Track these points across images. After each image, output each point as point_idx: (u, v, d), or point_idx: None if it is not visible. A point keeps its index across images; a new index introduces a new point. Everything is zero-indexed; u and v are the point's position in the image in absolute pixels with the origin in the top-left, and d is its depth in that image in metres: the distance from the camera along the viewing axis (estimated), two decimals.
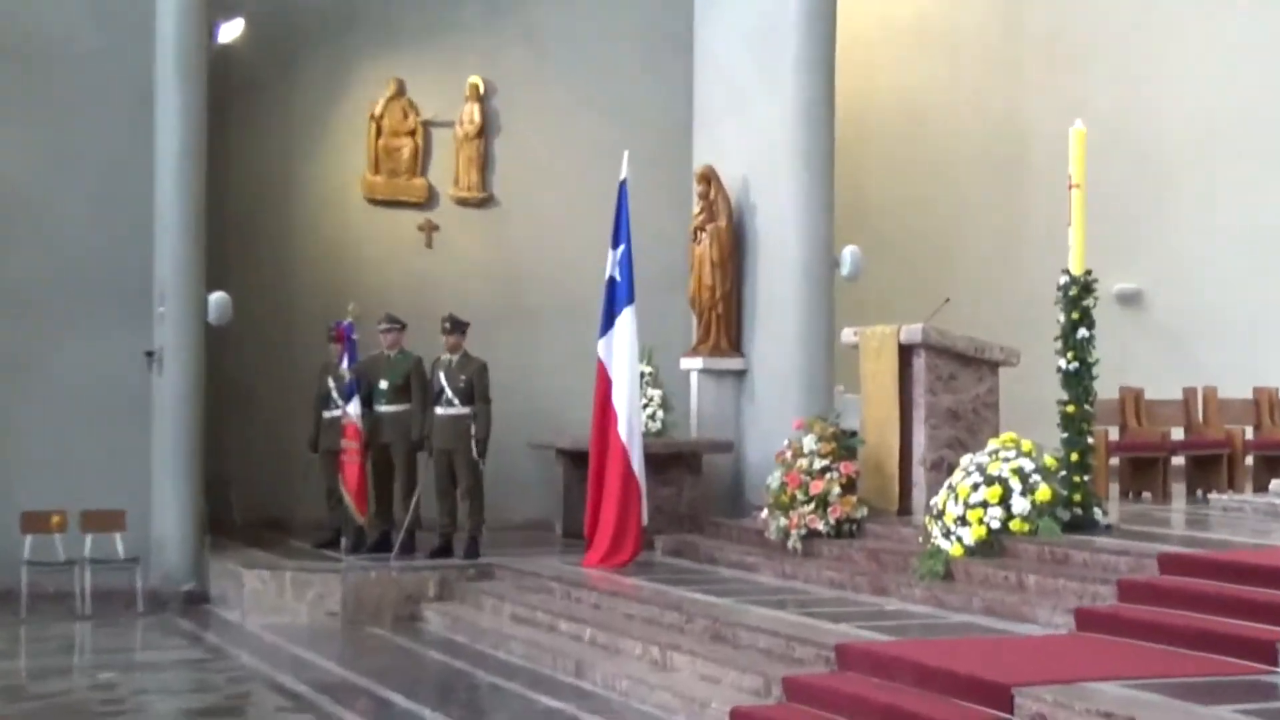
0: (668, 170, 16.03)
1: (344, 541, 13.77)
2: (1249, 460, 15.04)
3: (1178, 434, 15.23)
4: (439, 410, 13.35)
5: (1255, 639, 8.00)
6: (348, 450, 13.63)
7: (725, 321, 15.08)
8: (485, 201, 16.44)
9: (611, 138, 15.27)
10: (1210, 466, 14.85)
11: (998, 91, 19.17)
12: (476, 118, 16.35)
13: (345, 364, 13.80)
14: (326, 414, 13.94)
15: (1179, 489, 14.84)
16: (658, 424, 14.69)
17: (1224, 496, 13.30)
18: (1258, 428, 15.56)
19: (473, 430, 13.21)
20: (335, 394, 13.86)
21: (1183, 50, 18.95)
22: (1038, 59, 19.24)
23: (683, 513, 14.17)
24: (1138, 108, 18.94)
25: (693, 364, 15.26)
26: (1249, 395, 15.81)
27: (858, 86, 17.51)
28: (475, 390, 13.30)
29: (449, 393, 13.32)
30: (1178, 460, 14.93)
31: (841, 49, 15.03)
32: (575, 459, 14.21)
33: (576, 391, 14.18)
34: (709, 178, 15.21)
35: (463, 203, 16.41)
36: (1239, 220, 18.69)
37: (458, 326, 13.50)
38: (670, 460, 14.21)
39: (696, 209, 15.32)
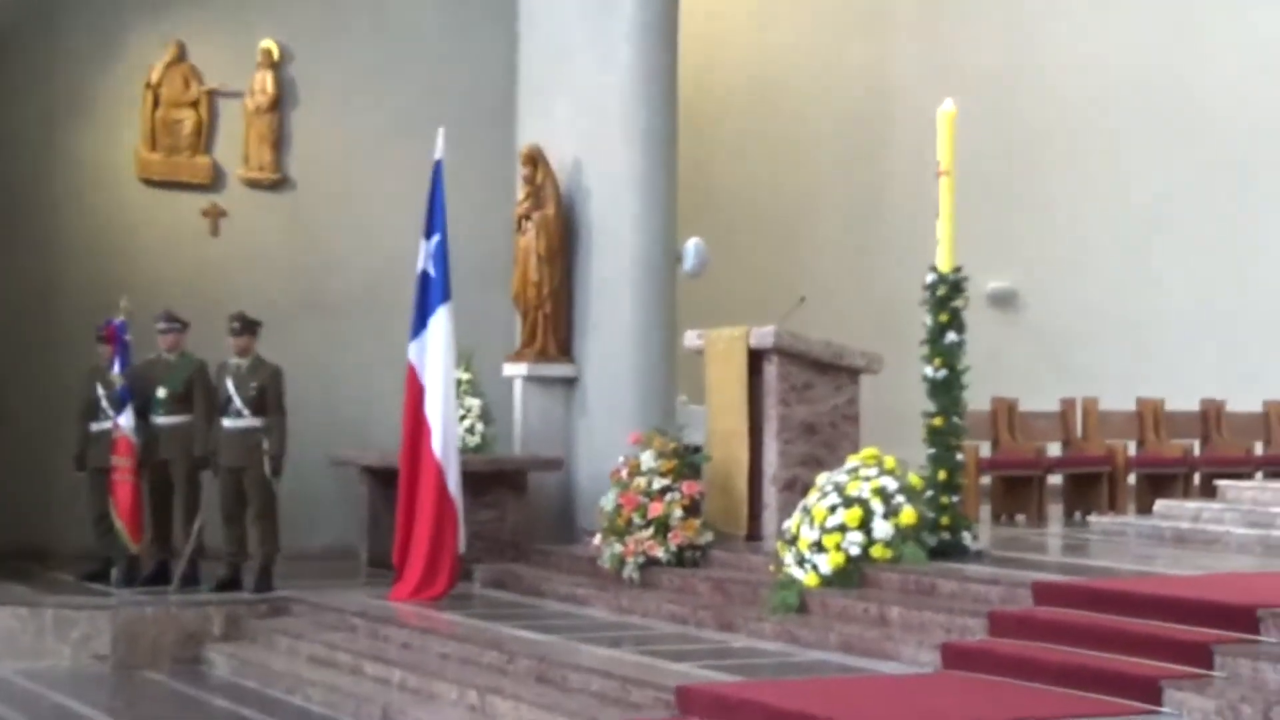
0: (489, 150, 16.01)
1: (115, 573, 13.56)
2: (1131, 479, 15.43)
3: (1055, 449, 15.57)
4: (226, 422, 13.21)
5: (1139, 676, 8.20)
6: (119, 468, 13.42)
7: (553, 322, 15.10)
8: (280, 183, 16.29)
9: (425, 113, 15.21)
10: (1090, 486, 15.21)
11: (857, 68, 19.44)
12: (269, 88, 16.20)
13: (116, 369, 13.59)
14: (94, 426, 13.71)
15: (1056, 510, 15.17)
16: (477, 438, 14.66)
17: (1105, 519, 13.63)
18: (1141, 443, 15.96)
19: (265, 445, 13.09)
20: (105, 403, 13.64)
21: (1061, 36, 19.37)
22: (902, 33, 19.56)
23: (505, 539, 14.16)
24: (1013, 93, 19.33)
25: (517, 370, 15.26)
26: (1132, 406, 16.21)
27: (702, 58, 17.66)
28: (268, 399, 13.17)
29: (238, 402, 13.18)
30: (1055, 479, 15.26)
31: (684, 15, 15.15)
32: (383, 477, 14.13)
33: (385, 401, 14.12)
34: (535, 159, 15.21)
35: (254, 184, 16.25)
36: (1121, 215, 19.15)
37: (248, 327, 13.36)
38: (491, 479, 14.20)
39: (521, 195, 15.33)
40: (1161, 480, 15.34)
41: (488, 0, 16.50)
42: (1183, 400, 16.34)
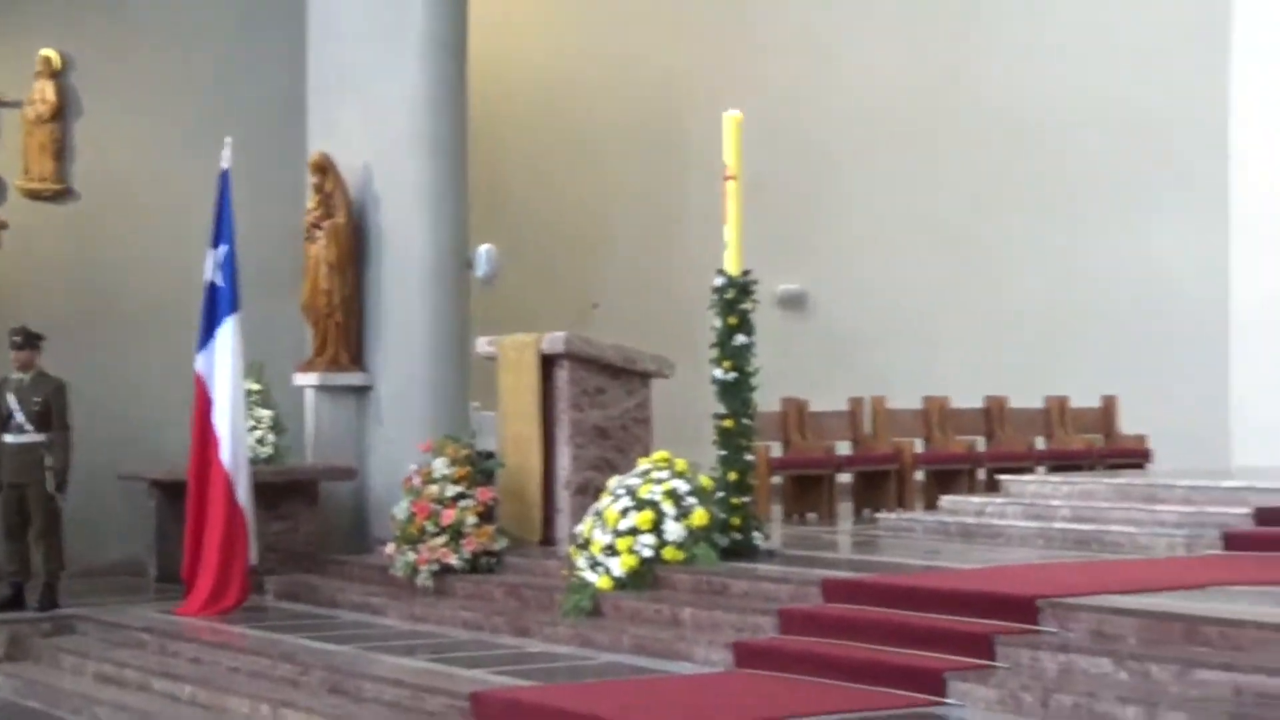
0: (278, 159, 15.78)
1: None
2: (919, 475, 15.65)
3: (844, 449, 15.74)
4: (8, 438, 12.91)
5: (924, 668, 8.30)
6: None
7: (344, 331, 14.91)
8: (63, 194, 15.92)
9: (212, 122, 14.95)
10: (879, 483, 15.41)
11: (649, 75, 19.51)
12: (50, 96, 15.83)
13: None
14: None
15: (846, 508, 15.34)
16: (268, 449, 14.46)
17: (893, 515, 13.80)
18: (928, 440, 16.20)
19: (48, 461, 12.79)
20: None
21: (853, 42, 19.60)
22: (694, 41, 19.66)
23: (298, 550, 13.96)
24: (804, 95, 19.52)
25: (307, 380, 15.04)
26: (919, 405, 16.44)
27: (494, 67, 17.59)
28: (52, 414, 12.89)
29: (20, 417, 12.88)
30: (844, 477, 15.43)
31: (474, 25, 15.07)
32: (171, 491, 13.85)
33: (175, 413, 13.84)
34: (325, 167, 15.01)
35: (35, 196, 15.87)
36: (909, 218, 19.43)
37: (30, 340, 13.05)
38: (283, 490, 14.00)
39: (311, 203, 15.12)
40: (948, 476, 15.58)
41: (275, 8, 16.26)
42: (968, 398, 16.61)
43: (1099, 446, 16.58)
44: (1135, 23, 17.96)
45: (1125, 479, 13.27)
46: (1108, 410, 17.06)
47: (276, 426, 14.64)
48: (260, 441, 14.36)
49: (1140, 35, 17.90)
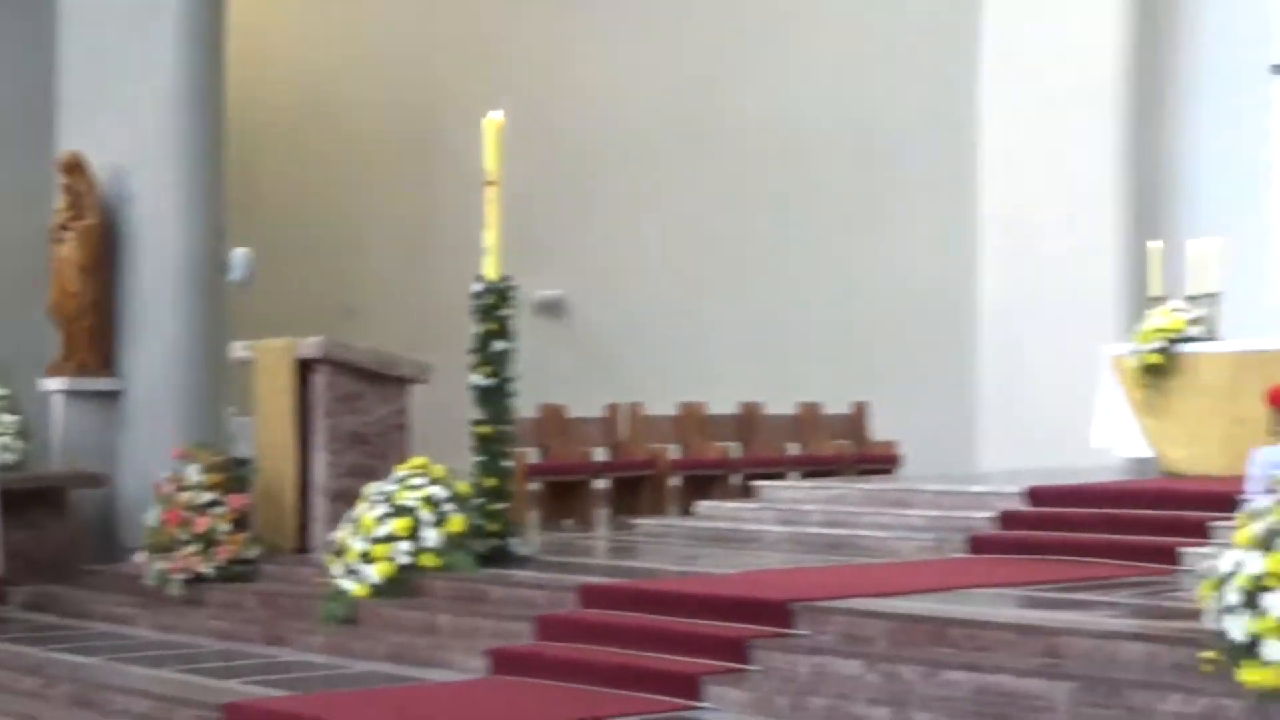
0: (23, 157, 15.38)
1: None
2: (675, 481, 15.78)
3: (602, 454, 15.81)
4: None
5: (680, 673, 8.38)
6: None
7: (94, 335, 14.59)
8: None
9: None
10: (635, 489, 15.50)
11: (405, 80, 19.39)
12: None
13: None
14: None
15: (604, 514, 15.40)
16: (13, 455, 14.08)
17: (649, 521, 13.90)
18: (685, 446, 16.34)
19: None
20: None
21: (606, 49, 19.67)
22: (450, 46, 19.58)
23: (45, 559, 13.61)
24: (563, 100, 19.56)
25: (55, 385, 14.69)
26: (676, 411, 16.57)
27: (251, 70, 17.34)
28: None
29: None
30: (602, 483, 15.50)
31: (234, 22, 14.84)
32: None
33: None
34: (74, 167, 14.67)
35: None
36: (665, 224, 19.56)
37: None
38: (28, 498, 13.63)
39: (61, 204, 14.76)
40: (704, 482, 15.73)
41: (21, 3, 15.83)
42: (723, 404, 16.79)
43: (850, 452, 16.88)
44: (887, 33, 18.31)
45: (875, 484, 13.53)
46: (858, 416, 17.38)
47: (22, 432, 14.27)
48: (4, 448, 13.99)
49: (891, 45, 18.26)
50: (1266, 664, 6.40)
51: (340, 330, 12.93)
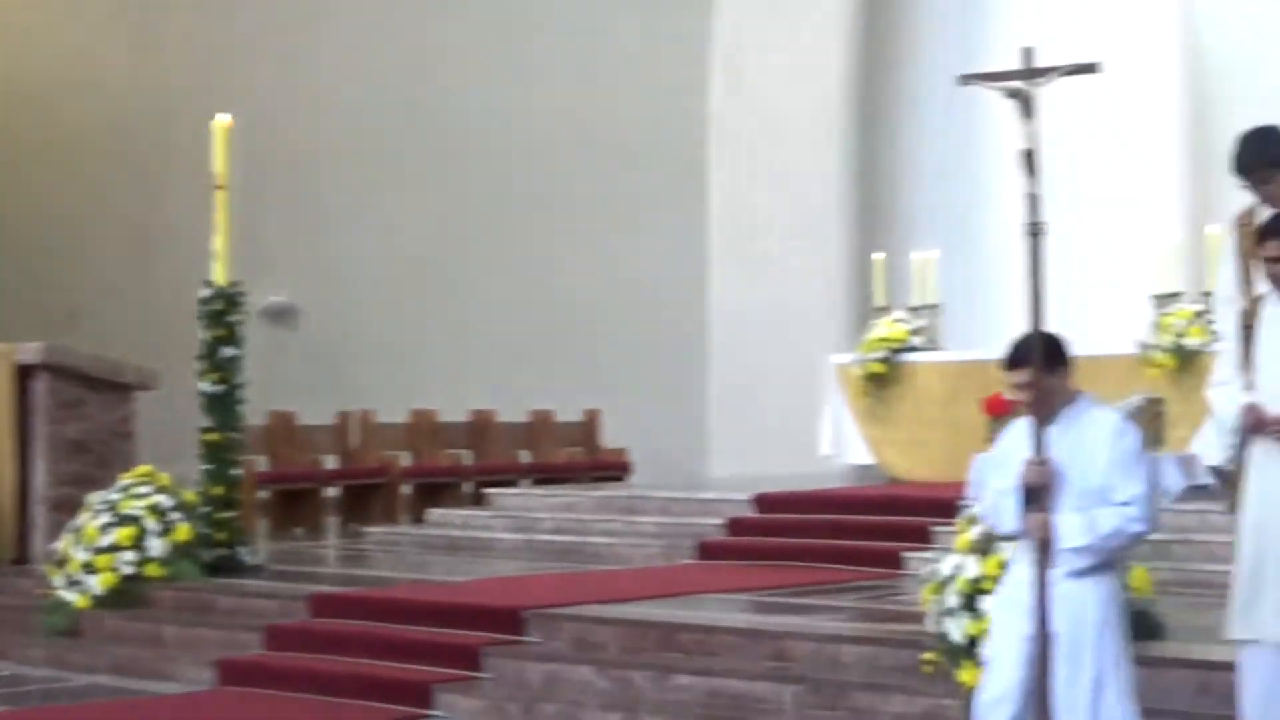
0: None
1: None
2: (406, 489, 15.68)
3: (332, 462, 15.64)
4: None
5: (411, 681, 8.35)
6: None
7: None
8: None
9: None
10: (367, 497, 15.35)
11: (130, 81, 18.99)
12: None
13: None
14: None
15: (334, 522, 15.24)
16: None
17: (380, 529, 13.81)
18: (416, 454, 16.24)
19: None
20: None
21: (334, 55, 19.47)
22: (177, 47, 19.23)
23: None
24: (290, 104, 19.32)
25: None
26: (407, 419, 16.45)
27: None
28: None
29: None
30: (332, 491, 15.33)
31: None
32: None
33: None
34: None
35: None
36: (396, 231, 19.44)
37: None
38: None
39: None
40: (435, 489, 15.63)
41: None
42: (455, 412, 16.73)
43: (582, 459, 16.94)
44: (620, 43, 18.43)
45: (607, 491, 13.61)
46: (590, 424, 17.45)
47: None
48: None
49: (624, 55, 18.39)
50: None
51: (64, 335, 12.58)
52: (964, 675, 6.74)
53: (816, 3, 18.26)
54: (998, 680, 5.70)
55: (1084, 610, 5.59)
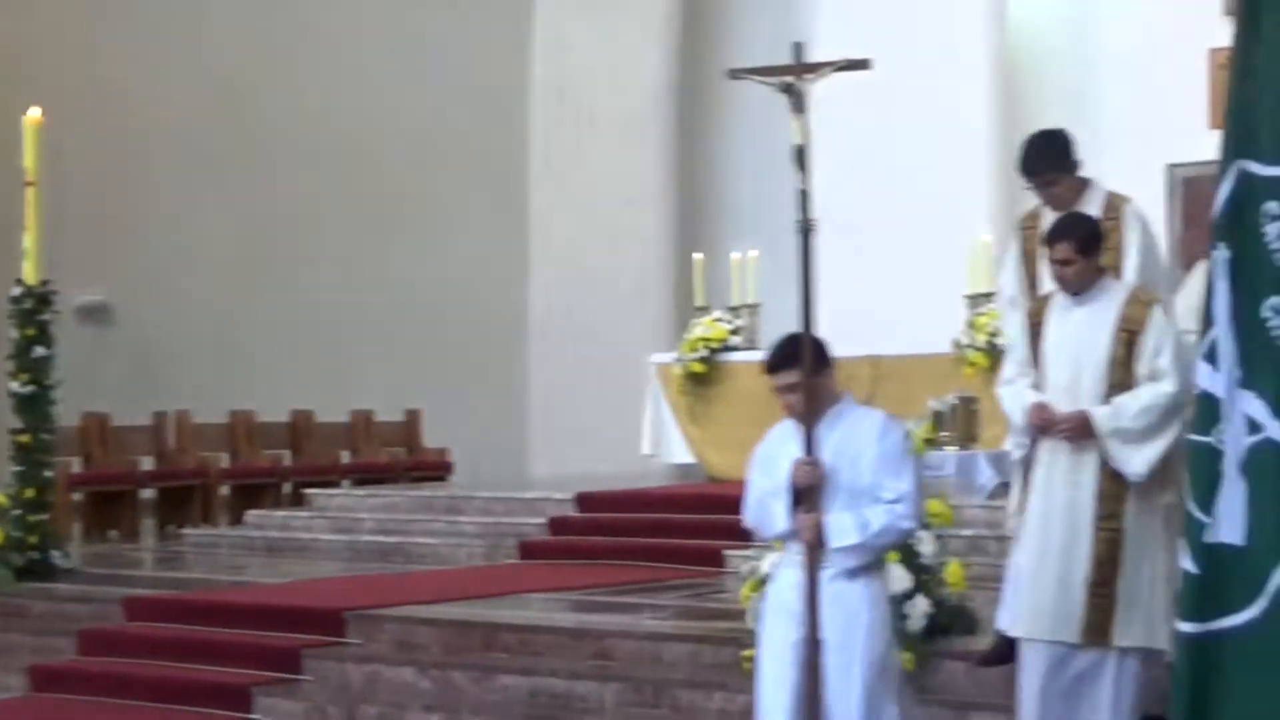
0: None
1: None
2: (225, 490, 15.48)
3: (149, 464, 15.40)
4: None
5: (229, 685, 8.26)
6: None
7: None
8: None
9: None
10: (184, 499, 15.14)
11: None
12: None
13: None
14: None
15: (151, 524, 15.01)
16: None
17: (198, 531, 13.63)
18: (234, 454, 16.04)
19: None
20: None
21: (156, 45, 19.15)
22: None
23: None
24: (105, 98, 18.98)
25: None
26: (226, 419, 16.25)
27: None
28: None
29: None
30: (148, 493, 15.09)
31: None
32: None
33: None
34: None
35: None
36: (213, 229, 19.17)
37: None
38: None
39: None
40: (254, 491, 15.45)
41: None
42: (274, 412, 16.54)
43: (403, 459, 16.85)
44: (440, 44, 18.33)
45: (428, 491, 13.55)
46: (411, 423, 17.36)
47: None
48: None
49: (445, 56, 18.29)
50: None
51: None
52: None
53: (635, 5, 18.33)
54: (769, 690, 5.68)
55: (854, 611, 5.62)
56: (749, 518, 5.95)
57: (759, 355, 12.98)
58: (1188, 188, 17.09)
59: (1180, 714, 5.49)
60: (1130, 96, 17.18)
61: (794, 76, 6.01)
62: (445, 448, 16.98)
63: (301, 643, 8.53)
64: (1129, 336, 6.32)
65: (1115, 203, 6.98)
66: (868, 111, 17.41)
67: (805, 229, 6.06)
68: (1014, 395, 6.50)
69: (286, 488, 15.61)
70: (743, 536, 10.16)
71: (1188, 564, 5.49)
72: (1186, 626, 5.47)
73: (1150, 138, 17.03)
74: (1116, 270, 6.79)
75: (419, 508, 12.68)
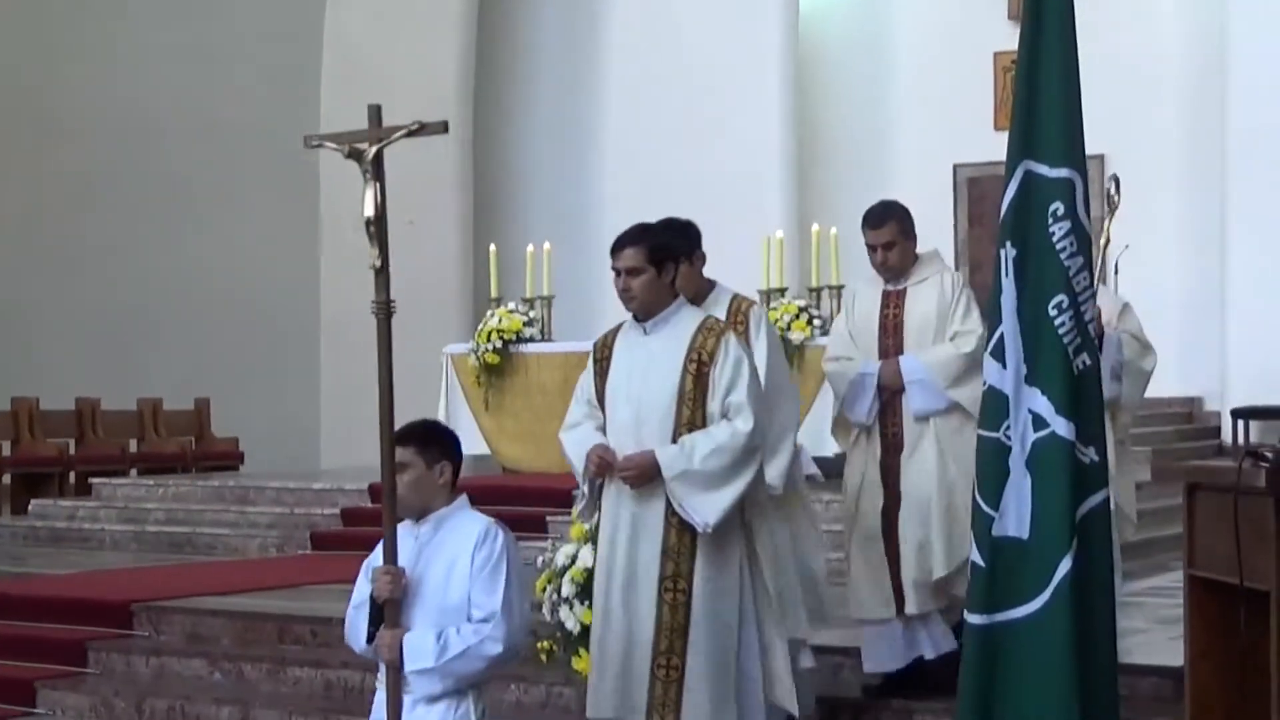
0: None
1: None
2: (6, 479, 15.11)
3: None
4: None
5: (12, 679, 8.07)
6: None
7: None
8: None
9: None
10: None
11: None
12: None
13: None
14: None
15: None
16: None
17: None
18: (16, 443, 15.66)
19: None
20: None
21: None
22: None
23: None
24: None
25: None
26: (7, 406, 15.86)
27: None
28: None
29: None
30: None
31: None
32: None
33: None
34: None
35: None
36: None
37: None
38: None
39: None
40: (38, 480, 15.08)
41: None
42: (59, 399, 16.17)
43: (192, 449, 16.58)
44: (231, 28, 18.03)
45: (218, 481, 13.35)
46: (200, 412, 17.09)
47: None
48: None
49: (235, 42, 18.00)
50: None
51: None
52: (578, 663, 6.82)
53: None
54: None
55: None
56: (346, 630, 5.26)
57: (552, 347, 13.07)
58: (972, 187, 17.47)
59: (967, 703, 5.61)
60: (919, 98, 17.53)
61: (367, 143, 5.29)
62: (235, 437, 16.75)
63: (88, 635, 8.37)
64: (699, 368, 5.61)
65: (741, 305, 6.39)
66: (661, 108, 17.56)
67: (385, 313, 5.41)
68: (575, 441, 5.84)
69: (71, 477, 15.26)
70: (538, 529, 10.23)
71: (976, 557, 5.62)
72: (975, 618, 5.60)
73: (938, 138, 17.39)
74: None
75: (209, 498, 12.50)
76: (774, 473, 5.95)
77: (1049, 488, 5.50)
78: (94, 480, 13.61)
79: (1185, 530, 5.05)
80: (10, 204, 18.68)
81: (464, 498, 5.22)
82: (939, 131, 17.37)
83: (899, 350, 6.70)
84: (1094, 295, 5.68)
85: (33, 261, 18.60)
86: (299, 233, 17.85)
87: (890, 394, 6.69)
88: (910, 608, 6.63)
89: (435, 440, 5.26)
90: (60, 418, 16.08)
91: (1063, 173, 5.64)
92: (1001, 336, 5.64)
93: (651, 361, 5.67)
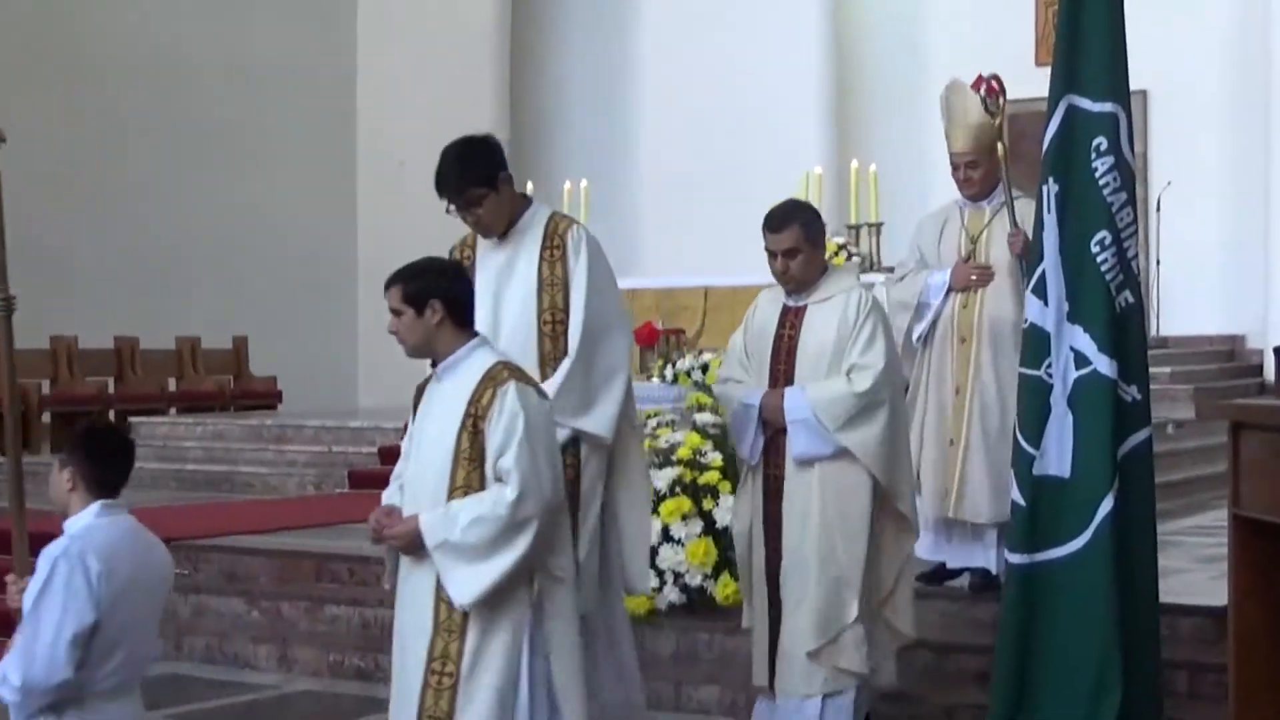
0: None
1: None
2: (46, 418, 15.15)
3: None
4: None
5: None
6: None
7: None
8: None
9: None
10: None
11: None
12: None
13: None
14: None
15: None
16: None
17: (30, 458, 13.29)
18: (55, 381, 15.69)
19: None
20: None
21: None
22: None
23: None
24: None
25: None
26: (46, 345, 15.90)
27: None
28: None
29: None
30: None
31: None
32: None
33: None
34: None
35: None
36: (34, 152, 18.51)
37: None
38: None
39: None
40: (78, 419, 15.12)
41: None
42: (98, 338, 16.19)
43: (230, 388, 16.60)
44: None
45: (256, 420, 13.37)
46: (238, 351, 17.11)
47: None
48: None
49: None
50: None
51: None
52: None
53: None
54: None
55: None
56: None
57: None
58: (1013, 124, 17.28)
59: (1007, 644, 5.57)
60: (959, 33, 17.34)
61: None
62: (273, 376, 16.76)
63: None
64: (474, 424, 4.81)
65: (559, 226, 5.71)
66: (699, 44, 17.44)
67: (7, 309, 5.07)
68: (386, 498, 5.19)
69: (110, 416, 15.30)
70: None
71: (1017, 496, 5.57)
72: (1015, 558, 5.55)
73: (978, 73, 17.21)
74: (565, 309, 5.58)
75: (247, 436, 12.52)
76: (600, 420, 5.44)
77: (1090, 426, 5.44)
78: (132, 419, 13.64)
79: (1230, 470, 4.94)
80: (48, 145, 18.62)
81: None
82: (979, 67, 17.13)
83: (789, 379, 5.83)
84: (1136, 232, 5.61)
85: (71, 201, 18.58)
86: (336, 171, 17.82)
87: (775, 430, 5.82)
88: (780, 685, 5.77)
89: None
90: (99, 356, 16.11)
91: (1106, 107, 5.56)
92: (1043, 273, 5.58)
93: (430, 413, 5.00)
